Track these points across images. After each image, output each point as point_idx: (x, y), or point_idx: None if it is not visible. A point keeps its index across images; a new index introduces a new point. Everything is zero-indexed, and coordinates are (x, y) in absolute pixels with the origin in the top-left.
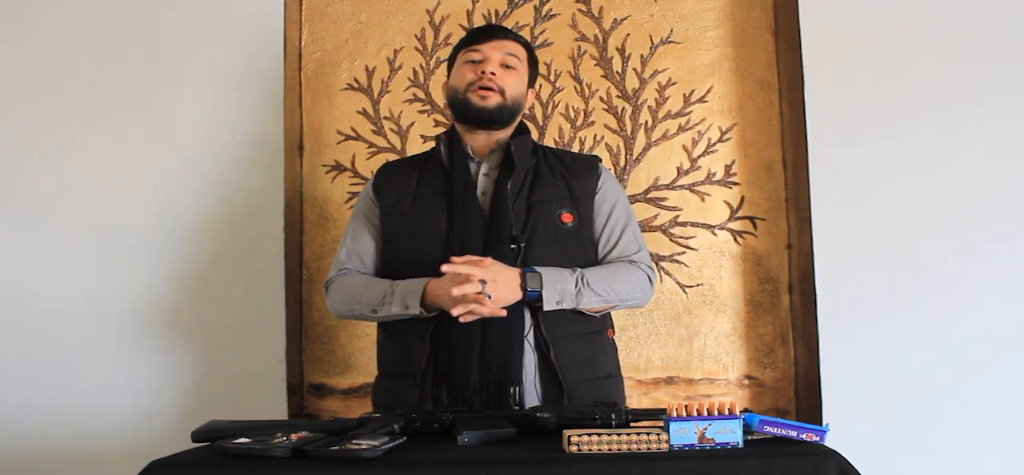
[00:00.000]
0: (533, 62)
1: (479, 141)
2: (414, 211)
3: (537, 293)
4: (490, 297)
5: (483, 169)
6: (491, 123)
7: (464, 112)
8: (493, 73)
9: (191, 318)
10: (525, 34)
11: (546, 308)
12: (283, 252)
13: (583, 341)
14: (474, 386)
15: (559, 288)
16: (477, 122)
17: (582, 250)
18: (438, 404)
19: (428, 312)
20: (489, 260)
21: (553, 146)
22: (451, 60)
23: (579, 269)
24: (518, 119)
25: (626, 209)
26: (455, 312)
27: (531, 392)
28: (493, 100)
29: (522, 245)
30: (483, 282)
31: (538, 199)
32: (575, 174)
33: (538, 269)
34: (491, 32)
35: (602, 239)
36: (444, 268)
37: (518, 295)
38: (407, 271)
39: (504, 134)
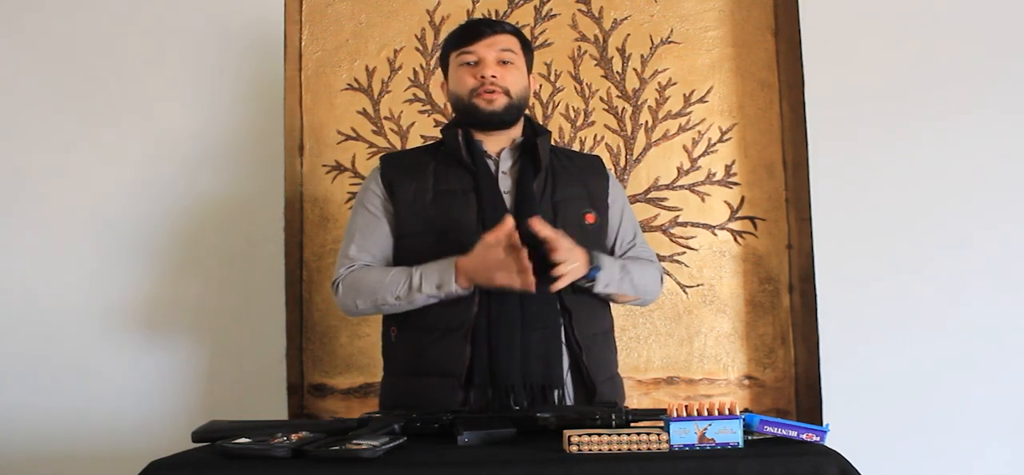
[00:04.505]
0: (527, 49)
1: (490, 139)
2: (437, 207)
3: (595, 273)
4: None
5: (502, 167)
6: (501, 124)
7: (473, 117)
8: (494, 76)
9: (191, 318)
10: (525, 34)
11: (596, 289)
12: (283, 252)
13: (602, 340)
14: (517, 387)
15: (609, 272)
16: (488, 125)
17: (602, 250)
18: (487, 406)
19: (464, 290)
20: (557, 231)
21: (556, 144)
22: (444, 59)
23: (619, 259)
24: (523, 113)
25: (631, 212)
26: (500, 282)
27: (565, 393)
28: (499, 101)
29: None
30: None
31: (562, 198)
32: (589, 174)
33: (595, 252)
34: (480, 30)
35: (618, 241)
36: (491, 237)
37: (583, 272)
38: None
39: (516, 131)
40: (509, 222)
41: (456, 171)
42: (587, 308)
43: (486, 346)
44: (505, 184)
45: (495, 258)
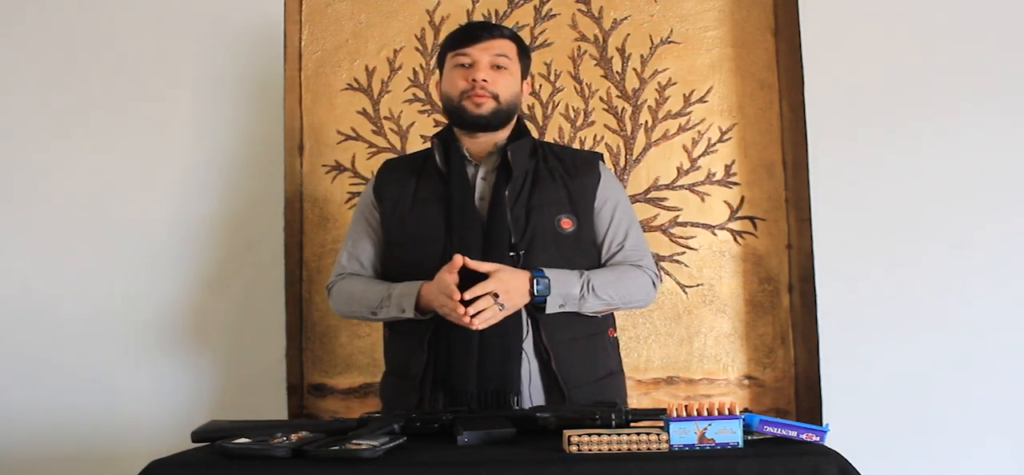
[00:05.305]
0: (524, 54)
1: (477, 144)
2: (413, 216)
3: (543, 297)
4: (502, 306)
5: (481, 173)
6: (488, 127)
7: (460, 119)
8: (485, 80)
9: (191, 318)
10: (525, 34)
11: (548, 311)
12: (283, 252)
13: (584, 343)
14: (472, 393)
15: (563, 292)
16: (474, 127)
17: (582, 255)
18: (436, 407)
19: (423, 315)
20: (496, 266)
21: (554, 142)
22: (440, 60)
23: (586, 272)
24: (515, 118)
25: (627, 211)
26: (450, 318)
27: (530, 399)
28: (487, 106)
29: (522, 252)
30: (496, 294)
31: (537, 203)
32: (574, 175)
33: (547, 272)
34: (477, 34)
35: (605, 243)
36: (445, 274)
37: (527, 299)
38: (406, 275)
39: (502, 136)
40: (457, 260)
41: (434, 179)
42: (560, 315)
43: (445, 351)
44: (482, 191)
45: (444, 294)
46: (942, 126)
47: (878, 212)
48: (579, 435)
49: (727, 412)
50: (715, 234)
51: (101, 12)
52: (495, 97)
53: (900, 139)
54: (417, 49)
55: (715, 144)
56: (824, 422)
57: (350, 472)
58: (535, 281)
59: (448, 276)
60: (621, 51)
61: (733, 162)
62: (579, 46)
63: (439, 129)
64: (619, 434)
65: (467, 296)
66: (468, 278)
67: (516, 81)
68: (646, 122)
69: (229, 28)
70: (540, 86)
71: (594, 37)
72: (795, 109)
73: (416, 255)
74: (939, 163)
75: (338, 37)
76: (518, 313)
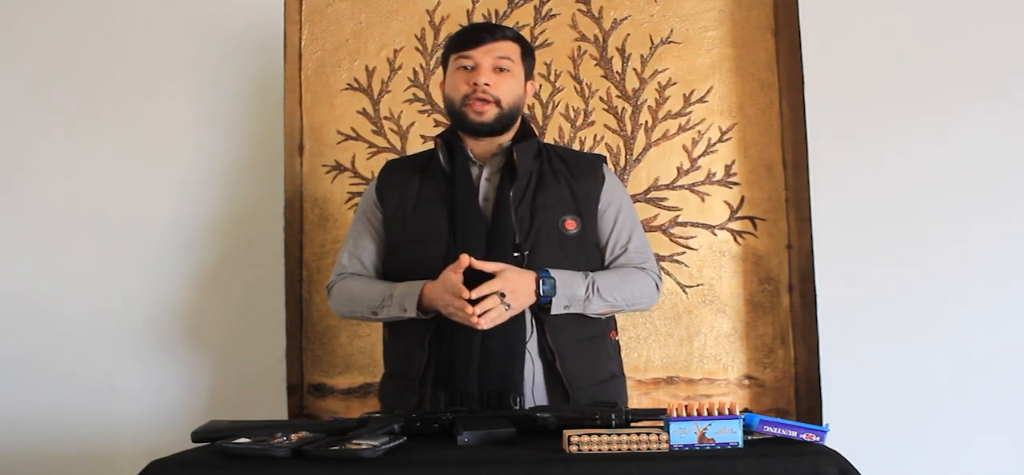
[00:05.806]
0: (528, 55)
1: (481, 145)
2: (416, 216)
3: (549, 298)
4: (509, 306)
5: (485, 174)
6: (491, 133)
7: (462, 124)
8: (487, 84)
9: (191, 318)
10: (525, 34)
11: (553, 312)
12: (283, 252)
13: (587, 346)
14: (473, 394)
15: (569, 293)
16: (476, 134)
17: (586, 256)
18: (437, 408)
19: (425, 314)
20: (502, 266)
21: (556, 143)
22: (444, 60)
23: (591, 274)
24: (519, 119)
25: (631, 213)
26: (455, 318)
27: (533, 399)
28: (489, 113)
29: (526, 253)
30: (502, 294)
31: (542, 205)
32: (578, 177)
33: (552, 273)
34: (480, 36)
35: (609, 246)
36: (451, 274)
37: (533, 300)
38: (408, 275)
39: (506, 137)
40: (463, 260)
41: (438, 180)
42: (564, 316)
43: (446, 352)
44: (486, 191)
45: (450, 293)
46: (941, 126)
47: (878, 212)
48: (579, 435)
49: (727, 412)
50: (715, 234)
51: (101, 12)
52: (497, 102)
53: (899, 139)
54: (417, 49)
55: (715, 144)
56: (824, 422)
57: (350, 472)
58: (541, 281)
59: (454, 275)
60: (621, 51)
61: (733, 162)
62: (579, 46)
63: (443, 130)
64: (619, 434)
65: (474, 295)
66: (473, 278)
67: (519, 83)
68: (646, 122)
69: (229, 28)
70: (540, 86)
71: (594, 37)
72: (795, 109)
73: (419, 255)
74: (938, 163)
75: (338, 37)
76: (522, 314)
